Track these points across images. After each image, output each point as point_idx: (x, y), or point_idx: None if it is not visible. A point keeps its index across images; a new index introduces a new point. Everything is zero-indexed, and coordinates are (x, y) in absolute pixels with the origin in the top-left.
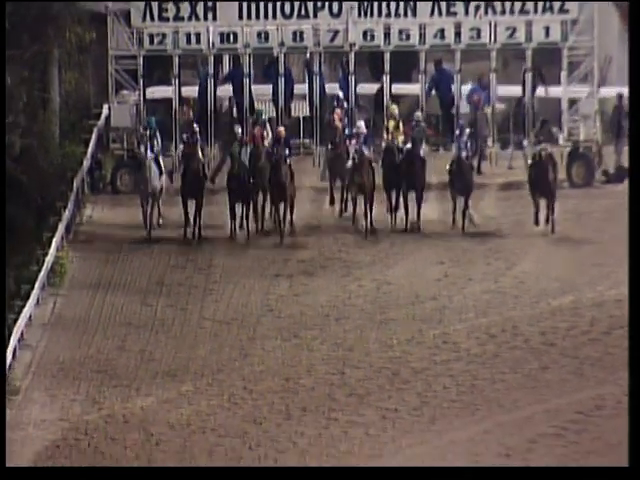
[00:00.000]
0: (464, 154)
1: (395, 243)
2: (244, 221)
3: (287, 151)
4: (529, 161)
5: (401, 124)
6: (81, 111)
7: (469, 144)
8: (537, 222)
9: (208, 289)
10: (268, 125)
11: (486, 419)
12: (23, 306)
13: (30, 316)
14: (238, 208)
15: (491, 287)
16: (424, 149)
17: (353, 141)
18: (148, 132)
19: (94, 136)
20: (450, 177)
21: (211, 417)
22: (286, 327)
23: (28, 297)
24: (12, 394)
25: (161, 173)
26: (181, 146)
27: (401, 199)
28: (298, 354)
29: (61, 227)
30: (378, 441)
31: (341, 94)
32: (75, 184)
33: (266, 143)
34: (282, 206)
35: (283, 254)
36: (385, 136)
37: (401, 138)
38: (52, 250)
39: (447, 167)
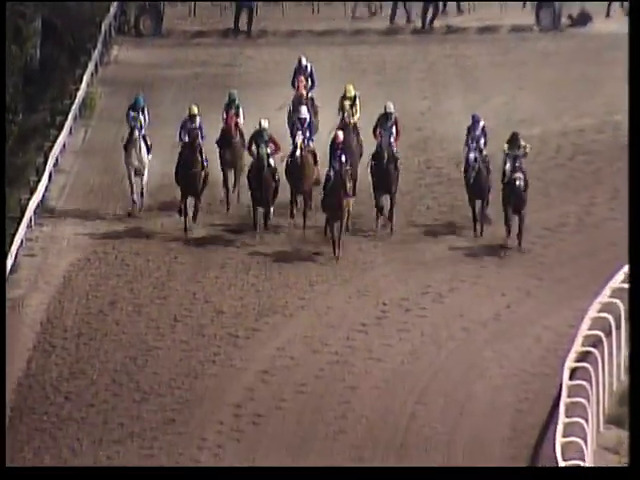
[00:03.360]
0: (476, 155)
1: (382, 82)
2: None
3: (344, 160)
4: (504, 180)
5: (357, 101)
6: None
7: (483, 140)
8: (509, 233)
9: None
10: (241, 110)
11: (464, 235)
12: (57, 135)
13: (64, 144)
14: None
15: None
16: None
17: (299, 132)
18: (137, 113)
19: None
20: (466, 180)
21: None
22: None
23: (62, 127)
24: (48, 212)
25: (149, 151)
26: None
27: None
28: None
29: (91, 65)
30: (370, 253)
31: (304, 59)
32: (103, 27)
33: (240, 127)
34: (337, 225)
35: None
36: (340, 115)
37: (357, 116)
38: (83, 85)
39: (462, 168)
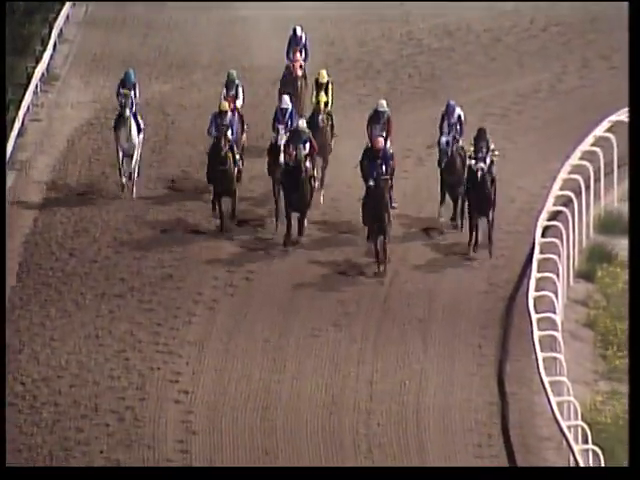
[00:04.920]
0: (450, 145)
1: None
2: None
3: (385, 169)
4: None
5: (330, 85)
6: None
7: (459, 127)
8: (474, 244)
9: None
10: (241, 90)
11: (444, 102)
12: (61, 7)
13: (67, 15)
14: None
15: None
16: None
17: (280, 126)
18: (127, 90)
19: None
20: (441, 172)
21: None
22: None
23: None
24: (53, 80)
25: (139, 130)
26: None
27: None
28: None
29: None
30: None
31: (299, 30)
32: None
33: (238, 106)
34: (380, 240)
35: None
36: (313, 100)
37: (330, 104)
38: None
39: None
